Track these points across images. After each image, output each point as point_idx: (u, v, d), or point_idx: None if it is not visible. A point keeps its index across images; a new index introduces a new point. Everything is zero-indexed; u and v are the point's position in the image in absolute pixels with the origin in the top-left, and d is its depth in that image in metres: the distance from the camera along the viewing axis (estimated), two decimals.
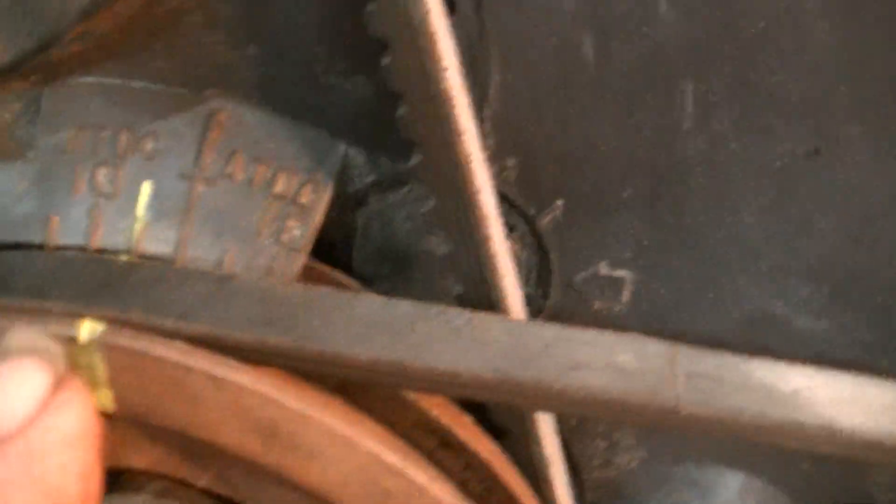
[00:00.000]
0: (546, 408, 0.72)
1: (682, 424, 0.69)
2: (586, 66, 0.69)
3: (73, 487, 0.55)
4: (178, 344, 0.67)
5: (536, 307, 0.79)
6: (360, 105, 0.73)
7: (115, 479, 0.85)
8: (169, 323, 0.68)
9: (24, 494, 0.53)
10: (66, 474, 0.55)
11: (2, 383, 0.56)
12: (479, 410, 0.78)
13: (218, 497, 0.83)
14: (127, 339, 0.66)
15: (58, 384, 0.57)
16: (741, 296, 0.76)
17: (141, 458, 0.81)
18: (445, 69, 0.65)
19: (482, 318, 0.70)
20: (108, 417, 0.75)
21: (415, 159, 0.70)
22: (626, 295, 0.77)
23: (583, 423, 0.84)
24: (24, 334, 0.60)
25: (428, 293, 0.74)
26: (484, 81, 0.70)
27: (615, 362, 0.70)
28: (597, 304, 0.78)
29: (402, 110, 0.68)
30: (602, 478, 0.87)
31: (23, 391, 0.55)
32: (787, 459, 0.84)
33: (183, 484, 0.82)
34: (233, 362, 0.67)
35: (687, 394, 0.69)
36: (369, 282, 0.82)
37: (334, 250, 0.81)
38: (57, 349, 0.60)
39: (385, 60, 0.66)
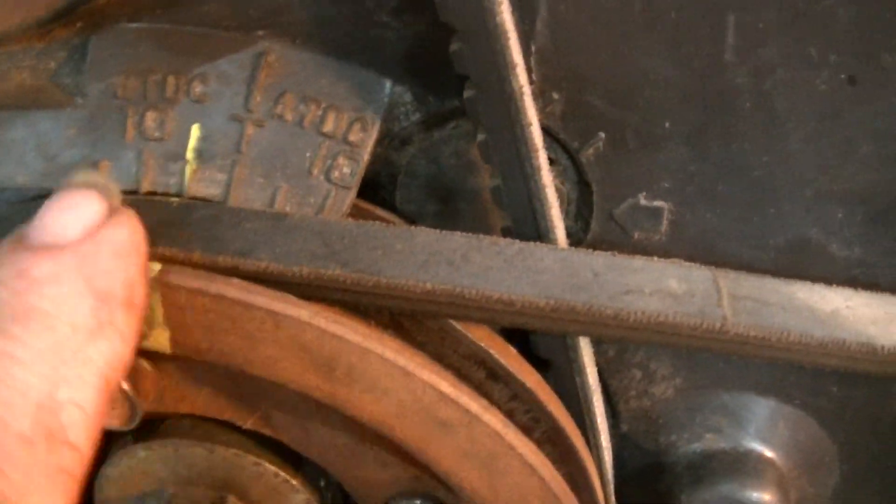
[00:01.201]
0: (598, 334, 0.74)
1: (729, 345, 0.71)
2: None
3: (118, 291, 0.60)
4: (236, 281, 0.68)
5: (576, 240, 0.81)
6: (409, 43, 0.75)
7: (157, 425, 0.86)
8: (226, 260, 0.69)
9: (73, 287, 0.58)
10: (113, 279, 0.60)
11: (64, 204, 0.61)
12: (522, 344, 0.80)
13: (263, 438, 0.84)
14: (184, 278, 0.68)
15: (112, 211, 0.62)
16: (784, 222, 0.78)
17: (186, 403, 0.82)
18: (500, 3, 0.66)
19: (532, 248, 0.72)
20: (162, 358, 0.77)
21: (467, 93, 0.71)
22: (664, 225, 0.79)
23: (620, 354, 0.86)
24: (87, 173, 0.65)
25: (473, 230, 0.74)
26: (531, 16, 0.71)
27: (664, 287, 0.72)
28: (636, 235, 0.80)
29: (455, 45, 0.69)
30: (638, 408, 0.89)
31: (81, 212, 0.61)
32: (816, 384, 0.86)
33: (228, 426, 0.84)
34: (291, 297, 0.68)
35: (734, 315, 0.71)
36: (412, 220, 0.83)
37: (379, 189, 0.82)
38: (115, 187, 0.64)
39: None
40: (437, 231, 0.71)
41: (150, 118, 0.74)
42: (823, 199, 0.76)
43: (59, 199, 0.61)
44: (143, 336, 0.69)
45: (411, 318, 0.74)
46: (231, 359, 0.71)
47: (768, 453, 0.88)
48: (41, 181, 0.75)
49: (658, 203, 0.78)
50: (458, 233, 0.71)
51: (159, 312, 0.68)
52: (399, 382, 0.70)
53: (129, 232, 0.62)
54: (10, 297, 0.57)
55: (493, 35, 0.67)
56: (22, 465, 0.54)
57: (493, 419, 0.72)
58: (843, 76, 0.72)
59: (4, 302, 0.57)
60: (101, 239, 0.60)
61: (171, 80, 0.75)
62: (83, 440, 0.58)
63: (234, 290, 0.68)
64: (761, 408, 0.87)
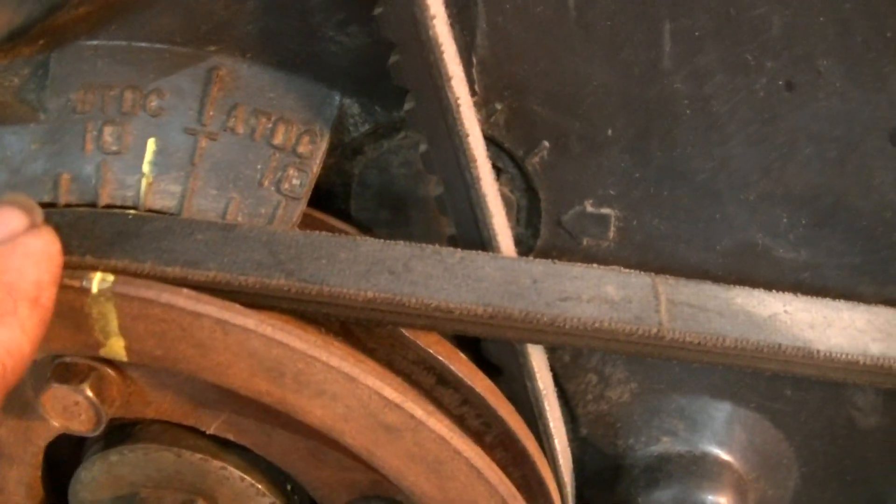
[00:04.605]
0: (537, 340, 0.75)
1: (666, 350, 0.73)
2: (571, 6, 0.71)
3: (26, 287, 0.64)
4: (186, 291, 0.70)
5: (527, 246, 0.82)
6: (355, 55, 0.76)
7: (129, 430, 0.88)
8: (176, 271, 0.71)
9: None
10: (22, 276, 0.64)
11: None
12: (474, 350, 0.82)
13: (228, 443, 0.86)
14: (136, 289, 0.70)
15: (34, 226, 0.66)
16: (730, 226, 0.79)
17: (151, 409, 0.84)
18: (433, 17, 0.68)
19: (474, 257, 0.74)
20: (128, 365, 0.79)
21: (407, 105, 0.73)
22: (612, 231, 0.80)
23: (575, 359, 0.87)
24: (14, 194, 0.69)
25: (425, 237, 0.76)
26: (471, 28, 0.72)
27: (601, 293, 0.73)
28: (585, 242, 0.81)
29: (394, 58, 0.71)
30: (595, 411, 0.90)
31: (3, 223, 0.65)
32: (772, 388, 0.86)
33: (196, 431, 0.86)
34: (238, 307, 0.71)
35: (670, 320, 0.72)
36: (367, 228, 0.85)
37: (333, 199, 0.84)
38: (39, 209, 0.67)
39: (377, 10, 0.70)
40: (382, 241, 0.73)
41: (108, 132, 0.76)
42: (767, 202, 0.77)
43: None
44: (99, 345, 0.72)
45: (361, 326, 0.76)
46: (184, 365, 0.73)
47: (725, 456, 0.89)
48: (5, 193, 0.77)
49: (605, 210, 0.79)
50: (402, 242, 0.73)
51: (114, 322, 0.71)
52: (345, 388, 0.72)
53: (44, 241, 0.66)
54: None
55: (427, 48, 0.69)
56: None
57: (439, 424, 0.74)
58: (780, 81, 0.73)
59: None
60: (17, 243, 0.65)
61: (127, 94, 0.77)
62: None
63: (184, 299, 0.70)
64: (717, 411, 0.88)
